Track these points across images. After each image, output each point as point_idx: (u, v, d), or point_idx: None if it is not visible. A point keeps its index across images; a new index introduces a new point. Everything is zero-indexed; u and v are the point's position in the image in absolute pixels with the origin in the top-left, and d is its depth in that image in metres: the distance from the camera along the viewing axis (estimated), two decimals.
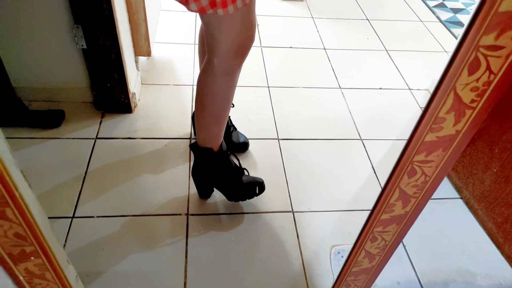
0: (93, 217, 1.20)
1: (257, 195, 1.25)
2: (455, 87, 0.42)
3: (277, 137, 1.54)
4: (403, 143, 1.55)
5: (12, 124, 1.42)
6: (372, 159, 1.49)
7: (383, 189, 0.57)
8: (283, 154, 1.47)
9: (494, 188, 1.21)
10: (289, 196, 1.33)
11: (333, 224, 1.27)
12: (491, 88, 0.41)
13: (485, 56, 0.39)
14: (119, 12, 1.33)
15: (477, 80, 0.40)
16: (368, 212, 1.29)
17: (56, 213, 1.19)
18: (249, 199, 1.26)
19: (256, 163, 1.43)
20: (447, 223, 1.32)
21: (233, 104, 1.39)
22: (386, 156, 1.51)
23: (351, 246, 1.23)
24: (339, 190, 1.37)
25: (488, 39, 0.38)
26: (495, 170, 1.20)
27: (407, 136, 1.59)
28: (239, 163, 1.23)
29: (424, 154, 0.47)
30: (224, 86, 1.03)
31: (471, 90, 0.41)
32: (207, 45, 0.99)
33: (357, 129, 1.61)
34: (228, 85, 1.04)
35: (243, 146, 1.45)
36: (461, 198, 1.39)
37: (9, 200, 0.51)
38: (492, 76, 0.40)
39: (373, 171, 1.45)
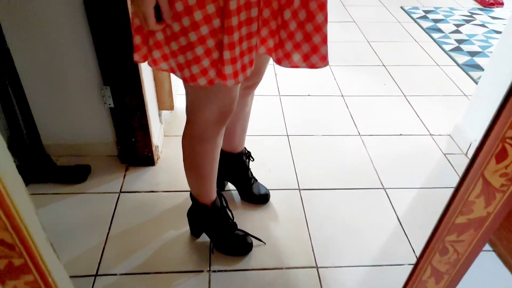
0: (116, 274, 1.20)
1: (242, 254, 1.27)
2: (483, 173, 0.42)
3: (298, 187, 1.53)
4: (428, 192, 1.51)
5: (40, 180, 1.46)
6: (397, 209, 1.46)
7: (415, 267, 0.55)
8: (304, 205, 1.46)
9: None
10: (313, 250, 1.30)
11: (360, 280, 1.22)
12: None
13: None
14: (145, 72, 1.40)
15: (506, 167, 0.40)
16: (396, 266, 1.24)
17: (79, 271, 1.20)
18: (233, 256, 1.26)
19: (277, 215, 1.41)
20: (481, 278, 1.25)
21: (252, 158, 1.42)
22: (412, 206, 1.47)
23: None
24: (364, 244, 1.33)
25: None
26: None
27: (431, 184, 1.56)
28: (232, 217, 1.26)
29: (455, 234, 0.46)
30: (205, 151, 1.05)
31: (500, 176, 0.41)
32: (186, 111, 1.02)
33: (379, 178, 1.59)
34: (209, 150, 1.05)
35: (264, 198, 1.45)
36: (494, 251, 1.33)
37: None
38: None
39: (398, 222, 1.41)
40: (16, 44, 1.28)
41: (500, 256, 1.30)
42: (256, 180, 1.46)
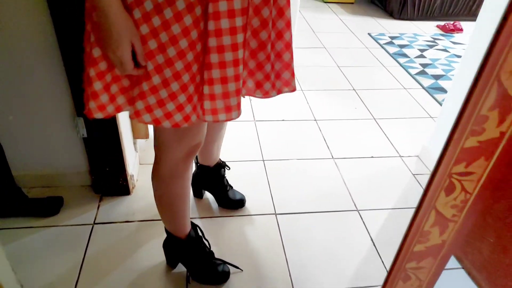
0: None
1: (220, 283, 1.26)
2: (435, 205, 0.45)
3: (274, 212, 1.55)
4: (399, 212, 1.55)
5: (10, 214, 1.42)
6: (370, 230, 1.50)
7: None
8: (281, 229, 1.47)
9: (493, 258, 1.20)
10: (290, 275, 1.31)
11: None
12: (468, 204, 0.43)
13: (459, 181, 0.42)
14: None
15: (455, 199, 0.43)
16: None
17: None
18: (211, 285, 1.25)
19: (254, 240, 1.42)
20: None
21: (228, 167, 1.45)
22: (384, 226, 1.52)
23: None
24: (340, 266, 1.35)
25: (459, 168, 0.41)
26: (491, 240, 1.20)
27: (402, 204, 1.61)
28: (209, 246, 1.26)
29: (415, 262, 0.49)
30: (175, 189, 1.04)
31: (451, 207, 0.44)
32: (155, 149, 1.00)
33: (352, 200, 1.63)
34: (179, 187, 1.04)
35: (240, 203, 1.52)
36: (463, 268, 1.38)
37: None
38: (468, 195, 0.43)
39: (372, 243, 1.44)
40: None
41: (468, 273, 1.35)
42: (232, 187, 1.53)
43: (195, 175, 1.47)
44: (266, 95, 0.96)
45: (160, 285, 1.24)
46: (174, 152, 0.95)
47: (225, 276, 1.26)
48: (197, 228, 1.23)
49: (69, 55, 1.23)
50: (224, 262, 1.28)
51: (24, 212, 1.42)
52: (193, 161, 1.07)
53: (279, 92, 0.98)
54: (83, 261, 1.30)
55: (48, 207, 1.44)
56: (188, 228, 1.20)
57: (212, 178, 1.47)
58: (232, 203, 1.52)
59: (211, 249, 1.28)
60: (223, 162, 1.47)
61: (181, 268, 1.30)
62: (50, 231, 1.39)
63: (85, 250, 1.33)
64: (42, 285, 1.22)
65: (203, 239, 1.25)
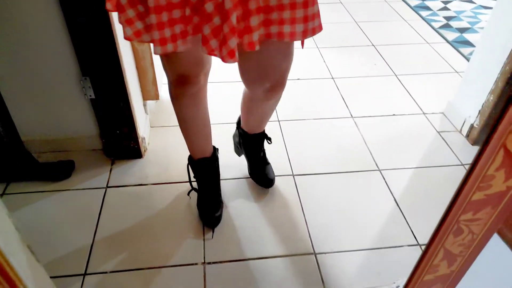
0: (106, 272, 1.14)
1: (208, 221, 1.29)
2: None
3: (291, 173, 1.49)
4: (424, 171, 1.47)
5: (22, 179, 1.39)
6: (393, 190, 1.43)
7: (425, 251, 0.51)
8: (299, 191, 1.42)
9: None
10: (310, 236, 1.26)
11: (360, 264, 1.19)
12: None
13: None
14: (126, 60, 1.32)
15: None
16: (395, 249, 1.22)
17: (68, 270, 1.14)
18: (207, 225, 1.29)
19: (272, 202, 1.37)
20: (488, 261, 1.23)
21: (269, 141, 1.40)
22: (408, 187, 1.44)
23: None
24: (362, 227, 1.30)
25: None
26: None
27: (427, 163, 1.53)
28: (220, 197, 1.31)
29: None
30: (177, 108, 1.16)
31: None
32: None
33: (374, 159, 1.55)
34: (179, 109, 1.16)
35: (269, 183, 1.41)
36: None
37: None
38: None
39: (396, 204, 1.38)
40: None
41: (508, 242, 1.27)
42: (268, 164, 1.43)
43: (236, 135, 1.43)
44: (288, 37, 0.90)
45: (177, 247, 1.21)
46: (167, 76, 1.08)
47: (216, 221, 1.27)
48: (213, 161, 1.28)
49: (70, 9, 1.15)
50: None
51: (35, 176, 1.39)
52: (200, 96, 1.13)
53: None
54: (97, 224, 1.27)
55: (59, 170, 1.41)
56: (200, 154, 1.26)
57: (247, 145, 1.38)
58: (262, 179, 1.40)
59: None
60: (264, 134, 1.35)
61: (196, 228, 1.26)
62: (62, 195, 1.36)
63: (99, 213, 1.31)
64: (56, 248, 1.20)
65: (213, 169, 1.30)
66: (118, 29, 1.23)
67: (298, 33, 0.87)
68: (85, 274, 1.14)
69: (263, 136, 1.36)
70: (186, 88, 1.08)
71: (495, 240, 0.56)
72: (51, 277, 1.12)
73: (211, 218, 1.26)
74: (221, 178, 1.38)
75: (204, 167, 1.28)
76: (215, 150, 1.31)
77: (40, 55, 1.26)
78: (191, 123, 1.20)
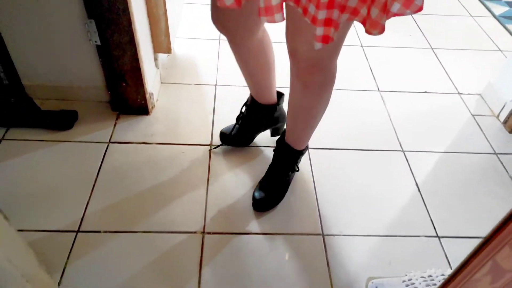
0: (99, 231, 1.08)
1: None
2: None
3: None
4: (452, 156, 1.33)
5: (22, 125, 1.33)
6: (416, 175, 1.30)
7: (467, 262, 0.40)
8: (313, 166, 1.31)
9: None
10: (319, 215, 1.17)
11: (370, 251, 1.10)
12: None
13: None
14: (135, 5, 1.20)
15: None
16: (411, 238, 1.12)
17: (60, 225, 1.09)
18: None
19: None
20: None
21: (297, 168, 1.22)
22: (433, 172, 1.32)
23: (391, 279, 1.06)
24: (377, 211, 1.19)
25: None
26: None
27: (456, 149, 1.39)
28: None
29: None
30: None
31: None
32: None
33: (398, 139, 1.42)
34: (231, 48, 1.09)
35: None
36: None
37: None
38: None
39: (417, 189, 1.26)
40: None
41: None
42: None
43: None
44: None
45: (176, 213, 1.14)
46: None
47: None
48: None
49: None
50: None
51: (36, 123, 1.32)
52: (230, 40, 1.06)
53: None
54: (96, 179, 1.21)
55: (61, 120, 1.33)
56: (252, 94, 1.22)
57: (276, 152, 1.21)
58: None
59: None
60: (297, 152, 1.19)
61: (199, 194, 1.18)
62: (62, 145, 1.29)
63: (98, 169, 1.24)
64: (51, 201, 1.14)
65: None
66: None
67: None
68: (78, 231, 1.08)
69: (295, 153, 1.16)
70: (215, 24, 1.04)
71: None
72: (42, 231, 1.08)
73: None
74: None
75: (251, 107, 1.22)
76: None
77: None
78: (240, 64, 1.15)
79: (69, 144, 1.30)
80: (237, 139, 1.31)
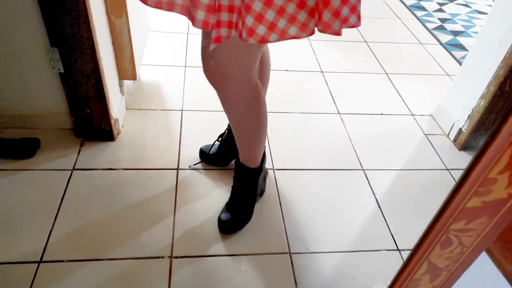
0: (63, 261, 1.06)
1: None
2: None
3: (272, 167, 1.42)
4: (408, 173, 1.42)
5: None
6: (376, 191, 1.37)
7: (407, 262, 0.45)
8: (278, 186, 1.35)
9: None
10: (286, 234, 1.20)
11: (336, 266, 1.13)
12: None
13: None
14: (99, 33, 1.22)
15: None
16: (373, 252, 1.16)
17: (21, 257, 1.05)
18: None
19: None
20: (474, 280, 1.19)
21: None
22: (391, 188, 1.39)
23: None
24: (340, 228, 1.24)
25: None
26: None
27: (412, 166, 1.48)
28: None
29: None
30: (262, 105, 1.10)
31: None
32: None
33: (358, 158, 1.50)
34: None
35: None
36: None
37: None
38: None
39: (377, 205, 1.32)
40: None
41: (496, 261, 1.23)
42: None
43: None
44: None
45: (143, 238, 1.13)
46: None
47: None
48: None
49: None
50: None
51: None
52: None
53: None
54: (59, 208, 1.18)
55: (22, 148, 1.31)
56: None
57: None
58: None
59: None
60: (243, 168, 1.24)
61: (166, 219, 1.18)
62: (24, 174, 1.26)
63: (62, 197, 1.21)
64: (11, 231, 1.10)
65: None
66: None
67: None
68: (40, 262, 1.05)
69: (249, 172, 1.18)
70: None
71: (484, 257, 0.51)
72: (1, 263, 1.03)
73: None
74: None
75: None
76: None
77: (4, 18, 1.15)
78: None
79: (31, 173, 1.27)
80: (215, 157, 1.34)
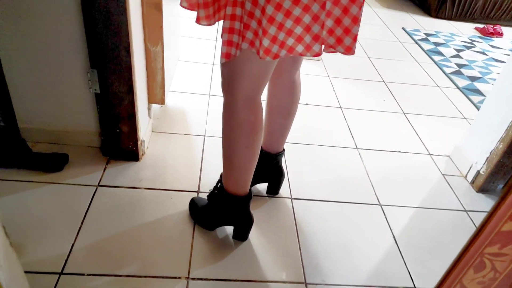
0: (83, 274, 1.07)
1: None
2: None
3: (290, 196, 1.44)
4: (426, 212, 1.42)
5: (13, 165, 1.34)
6: (393, 227, 1.37)
7: (439, 286, 0.47)
8: (296, 215, 1.36)
9: None
10: (302, 264, 1.20)
11: None
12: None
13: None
14: (137, 59, 1.30)
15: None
16: None
17: (43, 267, 1.07)
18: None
19: (267, 222, 1.31)
20: None
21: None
22: (408, 226, 1.39)
23: None
24: (357, 261, 1.23)
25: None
26: None
27: (429, 205, 1.48)
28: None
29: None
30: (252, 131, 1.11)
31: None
32: None
33: (375, 193, 1.51)
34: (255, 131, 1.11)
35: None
36: None
37: None
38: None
39: (394, 241, 1.32)
40: None
41: None
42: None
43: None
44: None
45: (161, 257, 1.15)
46: (238, 93, 1.05)
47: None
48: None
49: (88, 5, 1.13)
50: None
51: (26, 165, 1.34)
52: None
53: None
54: (83, 222, 1.21)
55: (52, 162, 1.36)
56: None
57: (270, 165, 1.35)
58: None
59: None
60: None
61: (185, 240, 1.20)
62: (51, 187, 1.31)
63: (86, 211, 1.25)
64: (35, 241, 1.13)
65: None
66: (133, 25, 1.22)
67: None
68: (61, 273, 1.07)
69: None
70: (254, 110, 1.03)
71: None
72: (25, 272, 1.05)
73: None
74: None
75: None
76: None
77: (49, 40, 1.24)
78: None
79: (58, 186, 1.32)
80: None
